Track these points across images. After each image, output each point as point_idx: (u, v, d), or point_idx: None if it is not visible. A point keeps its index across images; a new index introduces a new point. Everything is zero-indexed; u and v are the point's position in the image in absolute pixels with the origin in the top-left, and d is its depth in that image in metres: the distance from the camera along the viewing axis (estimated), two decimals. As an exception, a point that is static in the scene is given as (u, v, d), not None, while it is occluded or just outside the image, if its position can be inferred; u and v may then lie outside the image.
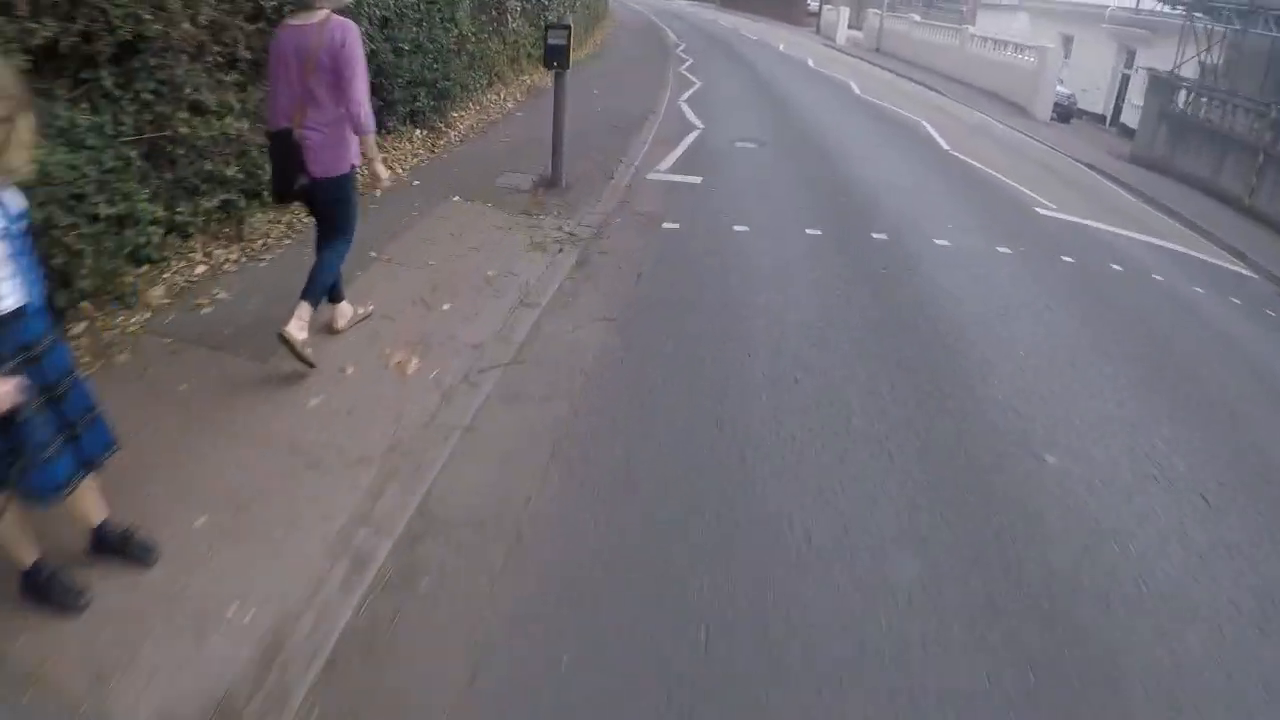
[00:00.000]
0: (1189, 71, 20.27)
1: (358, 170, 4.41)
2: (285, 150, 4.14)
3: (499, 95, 12.63)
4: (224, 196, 5.52)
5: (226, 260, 5.49)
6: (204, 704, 2.49)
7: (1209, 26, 20.19)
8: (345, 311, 4.86)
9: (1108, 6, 30.22)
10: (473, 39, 10.26)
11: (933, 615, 3.20)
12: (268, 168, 4.83)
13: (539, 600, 3.09)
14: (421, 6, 8.75)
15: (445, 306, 5.36)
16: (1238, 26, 19.08)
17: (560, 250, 6.66)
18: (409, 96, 8.77)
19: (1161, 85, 19.39)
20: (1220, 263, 10.47)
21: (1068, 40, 32.75)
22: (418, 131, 9.22)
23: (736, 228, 7.77)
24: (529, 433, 4.13)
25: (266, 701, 2.54)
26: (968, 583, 3.41)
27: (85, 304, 4.42)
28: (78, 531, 2.92)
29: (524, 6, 13.97)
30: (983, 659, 3.02)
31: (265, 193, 5.80)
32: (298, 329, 4.11)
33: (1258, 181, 14.67)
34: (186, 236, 5.34)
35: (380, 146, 6.89)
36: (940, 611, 3.23)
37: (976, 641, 3.10)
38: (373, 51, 7.59)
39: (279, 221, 6.19)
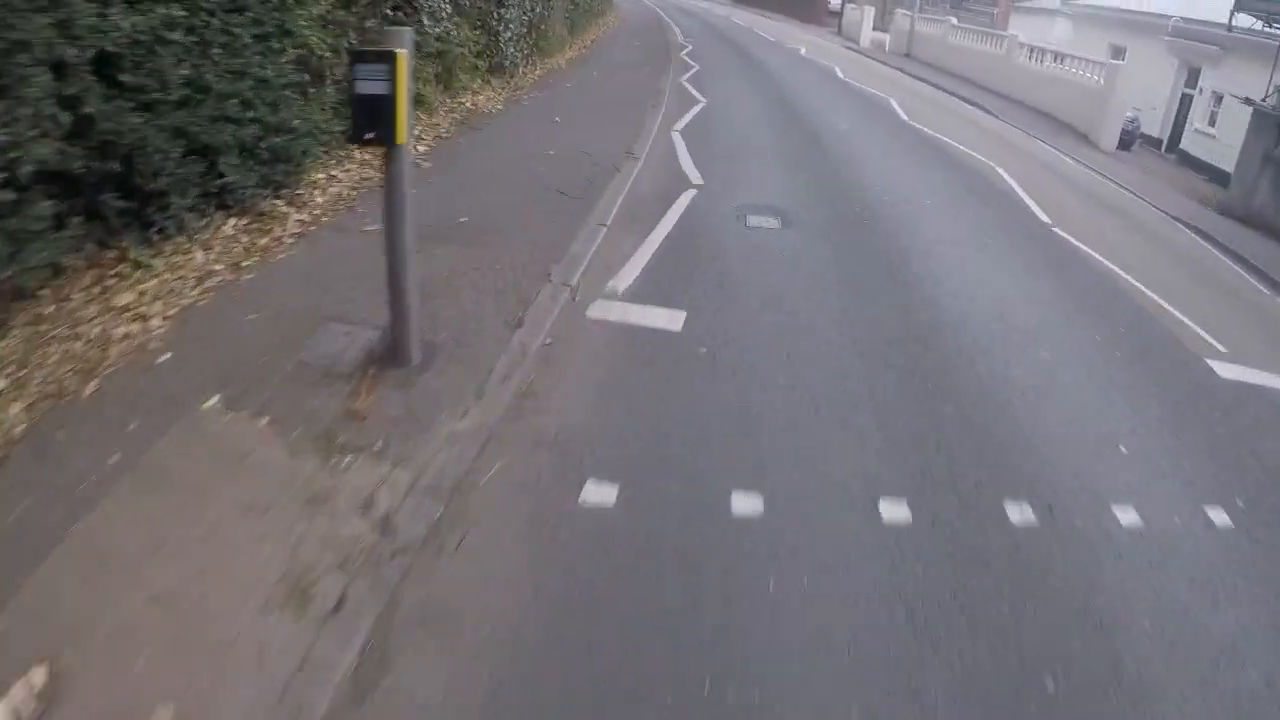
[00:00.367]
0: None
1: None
2: None
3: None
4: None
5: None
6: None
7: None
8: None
9: (1171, 17, 25.93)
10: (330, 54, 6.22)
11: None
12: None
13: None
14: (195, 22, 4.76)
15: None
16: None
17: (339, 606, 2.79)
18: (198, 172, 4.78)
19: (1268, 123, 15.22)
20: None
21: (1118, 51, 28.38)
22: (231, 222, 5.28)
23: (737, 503, 3.51)
24: None
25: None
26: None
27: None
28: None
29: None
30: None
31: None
32: None
33: None
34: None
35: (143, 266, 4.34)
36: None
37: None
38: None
39: None
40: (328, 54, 6.21)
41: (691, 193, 7.85)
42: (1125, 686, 2.86)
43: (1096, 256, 7.98)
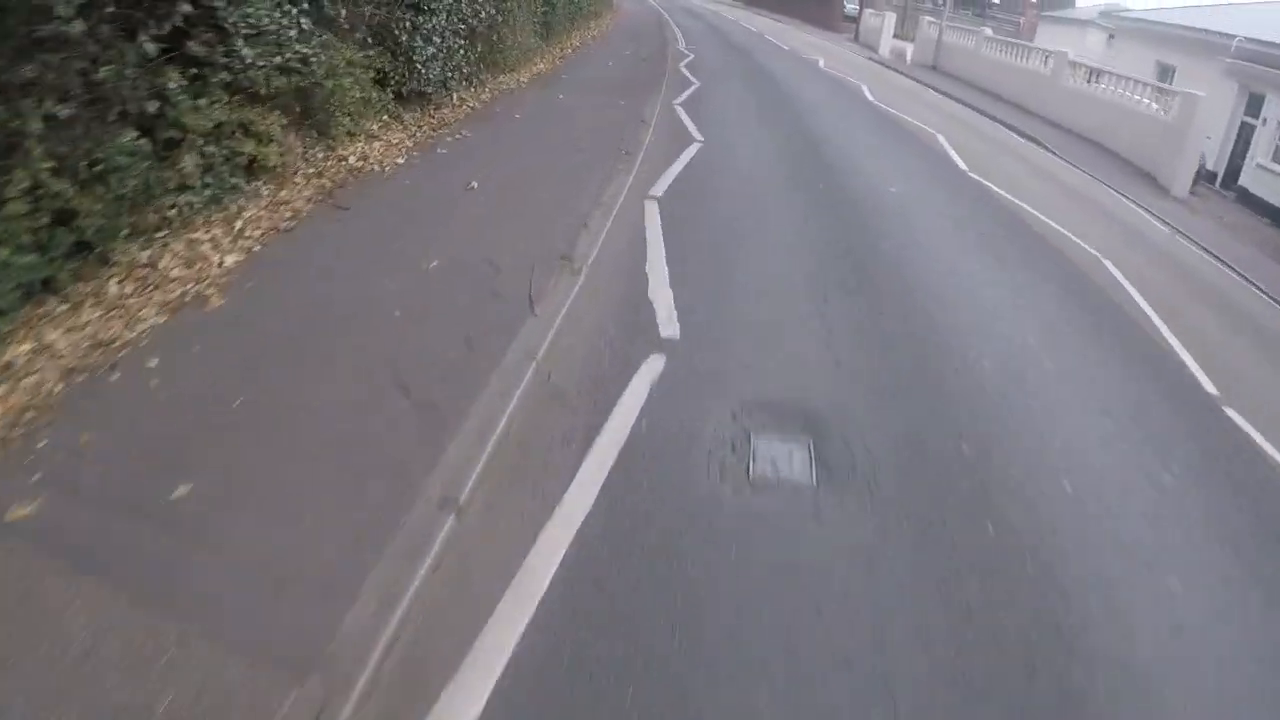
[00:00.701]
0: None
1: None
2: None
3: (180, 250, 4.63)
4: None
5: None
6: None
7: None
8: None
9: (1235, 37, 22.29)
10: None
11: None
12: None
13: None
14: None
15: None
16: None
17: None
18: None
19: None
20: None
21: (1166, 71, 24.68)
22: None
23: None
24: None
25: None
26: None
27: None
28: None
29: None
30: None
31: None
32: None
33: None
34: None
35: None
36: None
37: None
38: None
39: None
40: None
41: (654, 369, 4.19)
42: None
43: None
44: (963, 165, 10.44)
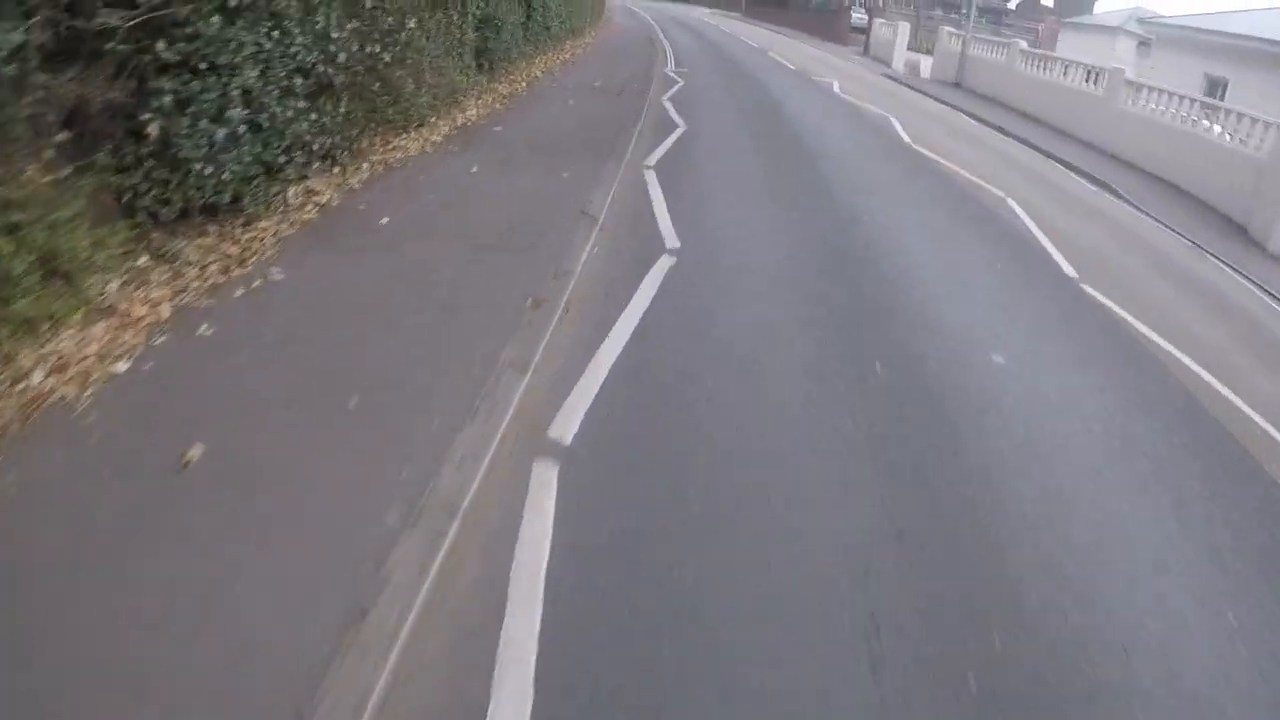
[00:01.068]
0: None
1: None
2: None
3: None
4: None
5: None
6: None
7: None
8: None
9: (1309, 42, 18.83)
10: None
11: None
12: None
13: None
14: None
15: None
16: None
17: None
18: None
19: None
20: None
21: (1215, 85, 21.18)
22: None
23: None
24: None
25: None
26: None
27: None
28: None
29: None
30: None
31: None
32: None
33: None
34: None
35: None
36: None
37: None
38: None
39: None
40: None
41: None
42: None
43: None
44: (1069, 269, 6.77)
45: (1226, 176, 11.87)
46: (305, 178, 5.76)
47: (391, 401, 3.39)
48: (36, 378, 3.33)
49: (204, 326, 3.91)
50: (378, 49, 6.68)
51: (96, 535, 2.49)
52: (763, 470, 3.36)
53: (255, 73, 4.81)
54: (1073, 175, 12.02)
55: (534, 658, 2.34)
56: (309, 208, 5.60)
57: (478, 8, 9.52)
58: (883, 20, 29.40)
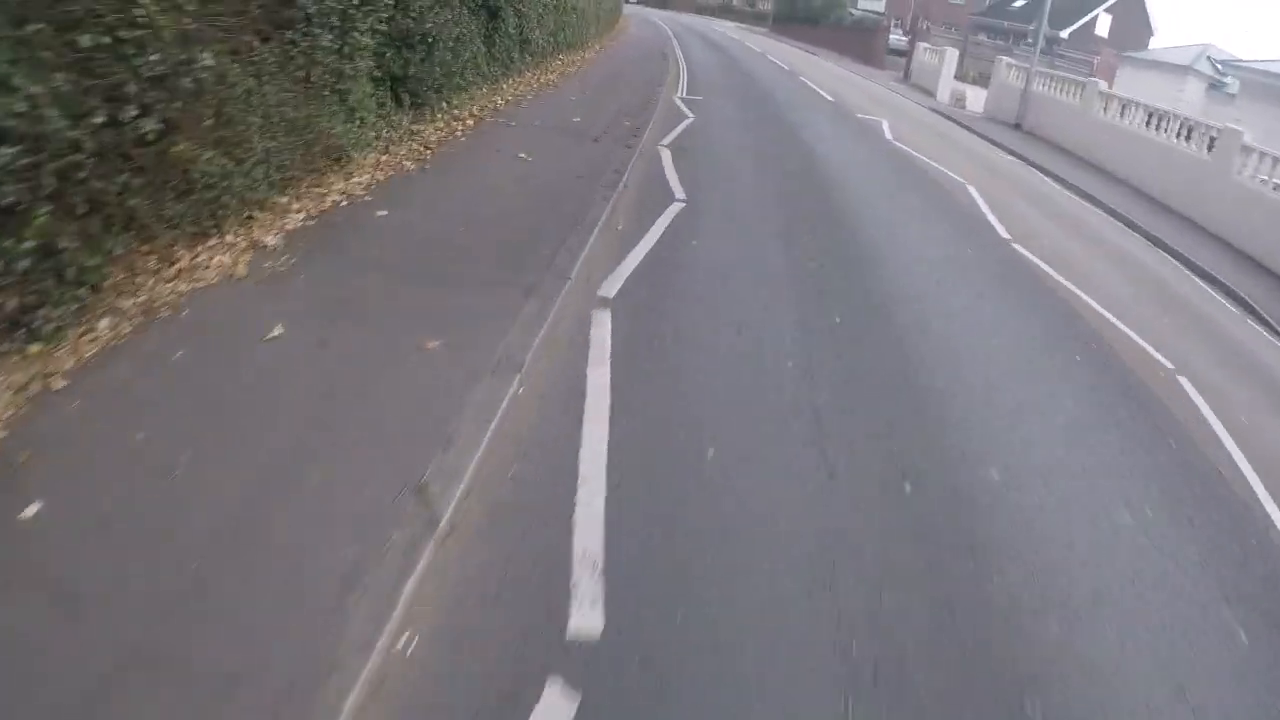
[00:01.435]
0: None
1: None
2: None
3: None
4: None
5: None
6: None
7: None
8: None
9: None
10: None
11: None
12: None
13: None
14: None
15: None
16: None
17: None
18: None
19: None
20: None
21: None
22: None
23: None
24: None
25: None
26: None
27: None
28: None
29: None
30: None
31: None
32: None
33: None
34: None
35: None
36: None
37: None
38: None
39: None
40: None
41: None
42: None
43: None
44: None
45: None
46: None
47: None
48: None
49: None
50: (132, 112, 3.28)
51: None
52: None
53: None
54: (1214, 293, 8.43)
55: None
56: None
57: (381, 22, 6.06)
58: (927, 45, 25.75)
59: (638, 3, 42.15)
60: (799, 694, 2.22)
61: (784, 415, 3.65)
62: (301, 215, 4.90)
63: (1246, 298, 8.29)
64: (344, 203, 5.24)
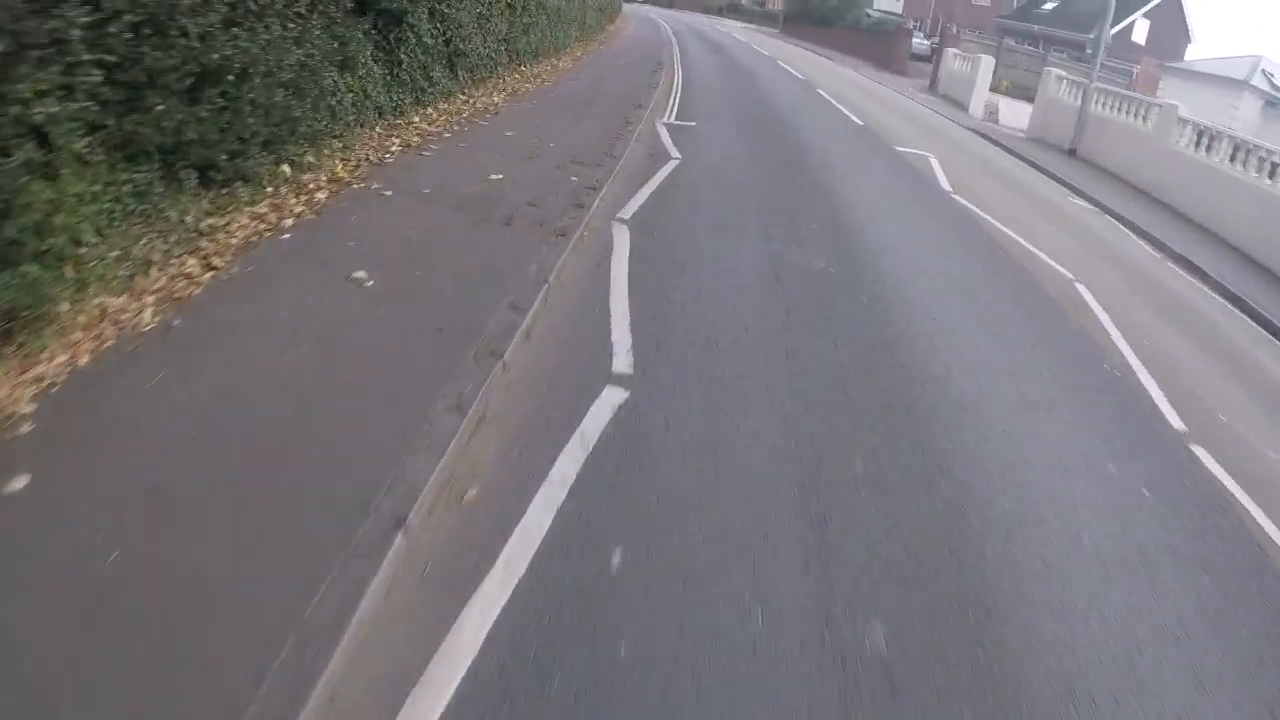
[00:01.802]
0: None
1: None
2: None
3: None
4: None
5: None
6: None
7: None
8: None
9: None
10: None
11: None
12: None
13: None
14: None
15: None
16: None
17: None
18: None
19: None
20: None
21: None
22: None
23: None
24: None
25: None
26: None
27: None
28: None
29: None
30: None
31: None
32: None
33: None
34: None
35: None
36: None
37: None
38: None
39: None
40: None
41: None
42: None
43: None
44: None
45: None
46: None
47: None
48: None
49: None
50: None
51: None
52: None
53: None
54: None
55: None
56: None
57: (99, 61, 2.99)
58: (957, 51, 22.41)
59: (642, 1, 38.72)
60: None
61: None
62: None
63: None
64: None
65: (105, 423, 2.48)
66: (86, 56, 2.91)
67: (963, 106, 20.15)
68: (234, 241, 4.10)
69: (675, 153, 7.90)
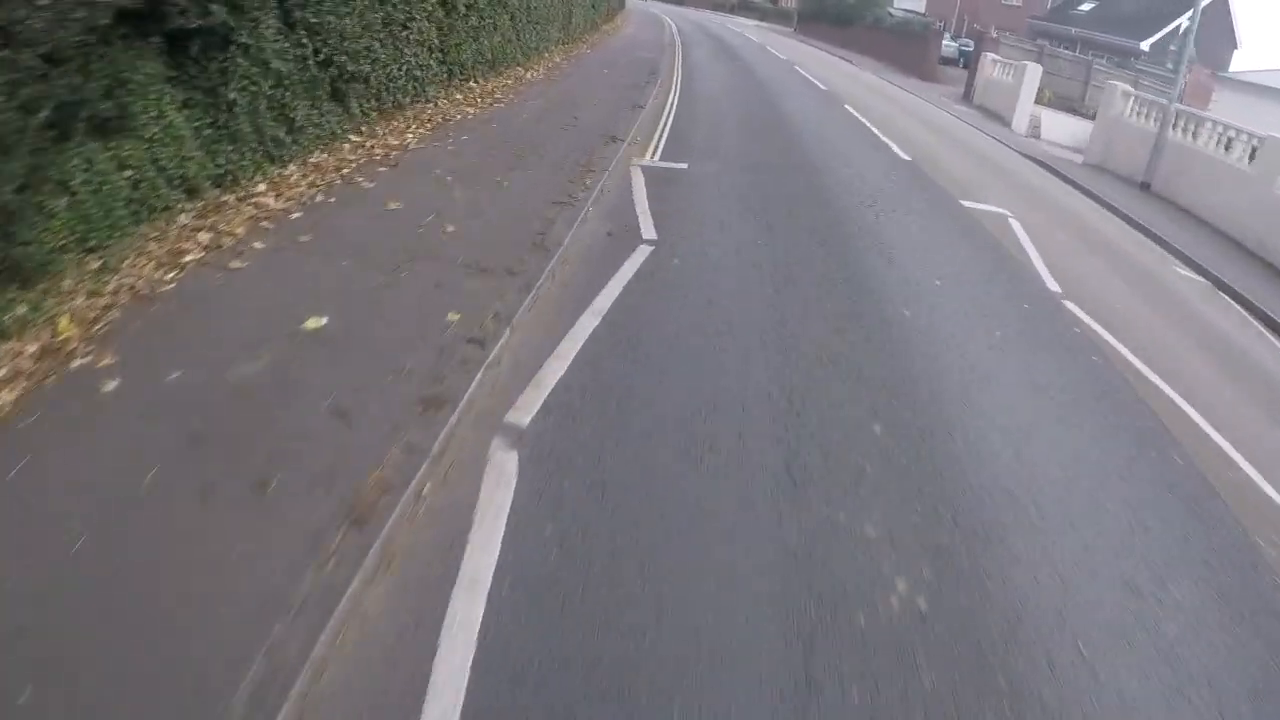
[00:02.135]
0: None
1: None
2: None
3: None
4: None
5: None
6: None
7: None
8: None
9: None
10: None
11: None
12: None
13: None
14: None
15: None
16: None
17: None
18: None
19: None
20: None
21: None
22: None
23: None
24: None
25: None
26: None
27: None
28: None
29: None
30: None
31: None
32: None
33: None
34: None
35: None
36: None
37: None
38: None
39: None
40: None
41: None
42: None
43: None
44: None
45: None
46: None
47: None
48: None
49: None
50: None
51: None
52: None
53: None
54: None
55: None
56: None
57: None
58: (996, 56, 19.48)
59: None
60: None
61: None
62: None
63: None
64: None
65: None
66: None
67: (1003, 120, 17.34)
68: None
69: (649, 231, 5.27)
